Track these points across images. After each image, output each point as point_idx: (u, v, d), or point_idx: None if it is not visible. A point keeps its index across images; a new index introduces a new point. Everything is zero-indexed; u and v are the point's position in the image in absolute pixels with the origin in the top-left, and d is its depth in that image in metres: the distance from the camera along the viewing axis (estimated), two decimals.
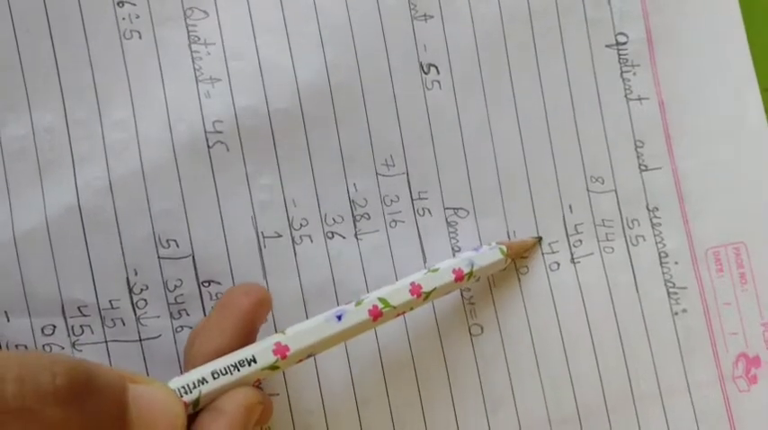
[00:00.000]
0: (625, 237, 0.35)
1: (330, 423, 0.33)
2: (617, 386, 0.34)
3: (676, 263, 0.35)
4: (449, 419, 0.33)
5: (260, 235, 0.32)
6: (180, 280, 0.32)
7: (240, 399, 0.27)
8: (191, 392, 0.26)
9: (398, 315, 0.30)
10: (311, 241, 0.33)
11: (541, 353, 0.34)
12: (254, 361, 0.28)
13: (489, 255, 0.33)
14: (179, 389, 0.26)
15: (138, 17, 0.32)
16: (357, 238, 0.33)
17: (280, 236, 0.32)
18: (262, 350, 0.28)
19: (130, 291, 0.32)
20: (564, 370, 0.34)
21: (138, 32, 0.32)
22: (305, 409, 0.32)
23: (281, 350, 0.28)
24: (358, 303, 0.30)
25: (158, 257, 0.32)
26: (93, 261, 0.31)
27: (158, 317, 0.32)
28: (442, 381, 0.33)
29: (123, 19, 0.32)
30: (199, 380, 0.27)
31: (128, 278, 0.31)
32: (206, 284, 0.32)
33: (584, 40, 0.35)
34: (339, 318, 0.29)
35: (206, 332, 0.29)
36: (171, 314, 0.32)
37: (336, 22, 0.33)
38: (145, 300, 0.32)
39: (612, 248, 0.34)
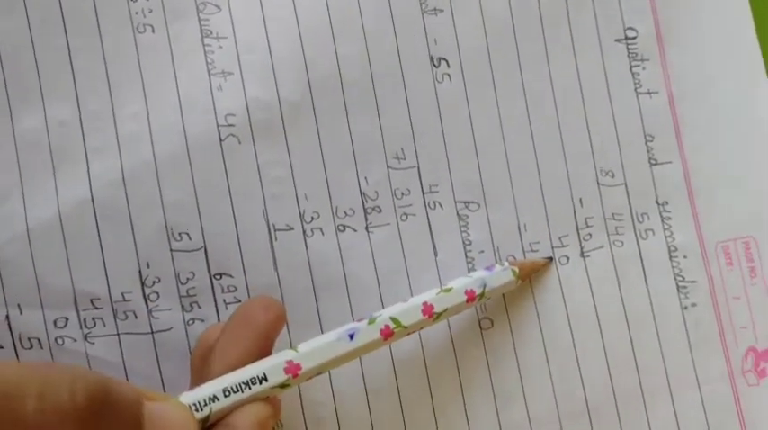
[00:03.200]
0: (635, 230, 0.35)
1: (340, 416, 0.33)
2: (626, 379, 0.34)
3: (686, 257, 0.35)
4: (459, 412, 0.33)
5: (271, 227, 0.32)
6: (192, 272, 0.32)
7: (252, 415, 0.27)
8: (201, 410, 0.26)
9: (409, 333, 0.30)
10: (322, 234, 0.33)
11: (551, 347, 0.34)
12: (266, 379, 0.28)
13: (501, 276, 0.33)
14: (190, 406, 0.26)
15: (151, 11, 0.32)
16: (368, 231, 0.33)
17: (291, 228, 0.33)
18: (273, 367, 0.28)
19: (143, 283, 0.32)
20: (573, 363, 0.34)
21: (152, 26, 0.32)
22: (316, 401, 0.33)
23: (292, 369, 0.28)
24: (371, 321, 0.30)
25: (170, 250, 0.32)
26: (105, 253, 0.31)
27: (170, 309, 0.32)
28: (452, 374, 0.33)
29: (137, 13, 0.32)
30: (210, 398, 0.27)
31: (140, 271, 0.32)
32: (218, 277, 0.32)
33: (594, 35, 0.35)
34: (351, 337, 0.29)
35: (222, 346, 0.29)
36: (183, 307, 0.32)
37: (347, 15, 0.33)
38: (157, 293, 0.32)
39: (622, 242, 0.35)
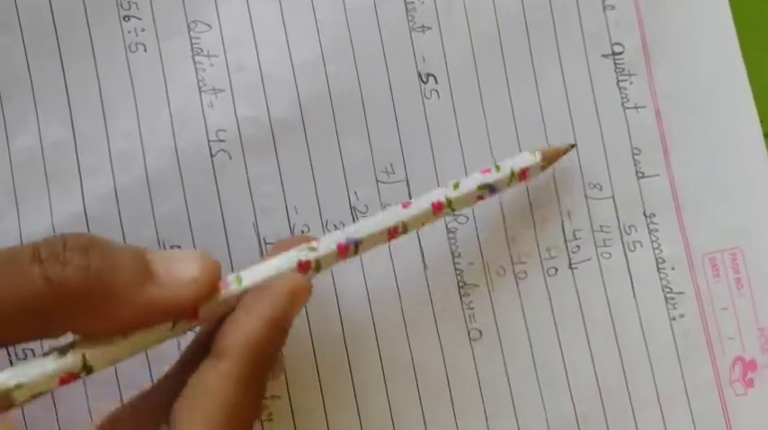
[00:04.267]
0: (623, 242, 0.35)
1: (331, 426, 0.33)
2: (615, 390, 0.34)
3: (673, 268, 0.35)
4: (448, 423, 0.34)
5: (262, 241, 0.33)
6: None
7: (287, 281, 0.27)
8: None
9: (436, 208, 0.30)
10: None
11: (539, 358, 0.34)
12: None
13: (523, 159, 0.33)
14: None
15: (143, 30, 0.33)
16: None
17: None
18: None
19: None
20: (562, 374, 0.34)
21: (144, 45, 0.33)
22: (306, 408, 0.33)
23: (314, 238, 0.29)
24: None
25: None
26: None
27: None
28: (442, 385, 0.34)
29: (129, 32, 0.33)
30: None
31: None
32: None
33: (581, 50, 0.35)
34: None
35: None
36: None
37: (337, 33, 0.34)
38: None
39: (610, 254, 0.35)
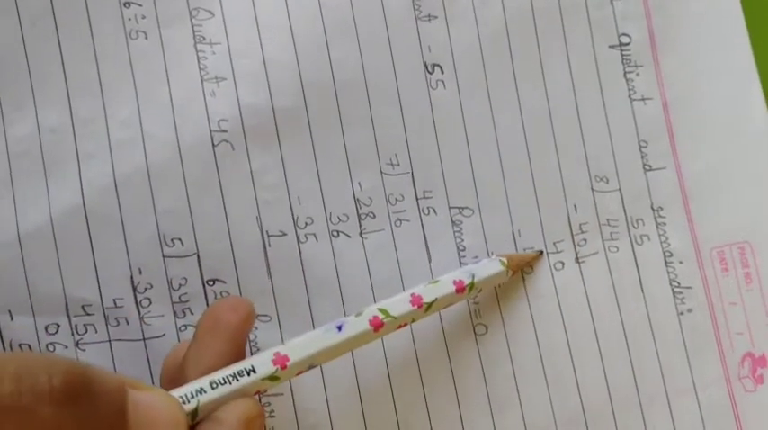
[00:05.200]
0: (630, 236, 0.35)
1: (334, 422, 0.32)
2: (623, 386, 0.34)
3: (681, 262, 0.35)
4: (454, 418, 0.33)
5: (265, 233, 0.32)
6: (184, 278, 0.32)
7: (240, 411, 0.26)
8: (188, 402, 0.26)
9: (400, 326, 0.30)
10: (316, 240, 0.33)
11: (546, 353, 0.34)
12: (254, 371, 0.27)
13: (489, 267, 0.33)
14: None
15: (144, 18, 0.32)
16: (362, 237, 0.33)
17: (284, 234, 0.32)
18: (261, 360, 0.27)
19: (134, 289, 0.32)
20: (569, 369, 0.34)
21: (144, 33, 0.32)
22: (309, 408, 0.32)
23: (280, 360, 0.27)
24: (358, 314, 0.29)
25: (163, 256, 0.32)
26: (97, 260, 0.31)
27: (162, 316, 0.32)
28: (447, 381, 0.33)
29: (129, 19, 0.32)
30: (197, 391, 0.26)
31: (132, 277, 0.31)
32: (210, 283, 0.32)
33: (588, 41, 0.35)
34: (339, 328, 0.29)
35: (194, 353, 0.28)
36: (175, 313, 0.32)
37: (341, 21, 0.33)
38: (149, 299, 0.32)
39: (617, 248, 0.34)
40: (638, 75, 0.35)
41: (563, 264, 0.34)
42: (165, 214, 0.32)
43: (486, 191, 0.34)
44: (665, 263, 0.35)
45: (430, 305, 0.30)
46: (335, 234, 0.33)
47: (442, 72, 0.34)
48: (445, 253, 0.34)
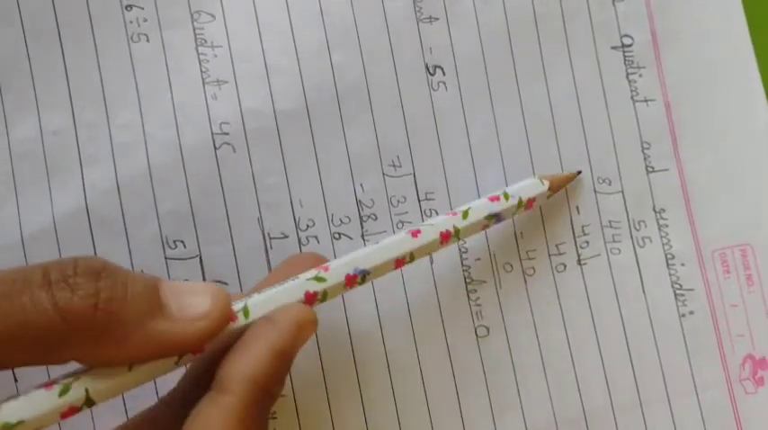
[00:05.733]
0: (632, 238, 0.35)
1: (335, 422, 0.33)
2: (624, 387, 0.34)
3: (683, 264, 0.35)
4: (455, 420, 0.33)
5: (266, 235, 0.32)
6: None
7: (294, 313, 0.26)
8: (236, 305, 0.26)
9: (444, 237, 0.30)
10: (318, 242, 0.33)
11: (548, 355, 0.34)
12: (298, 278, 0.28)
13: (523, 182, 0.33)
14: None
15: (145, 20, 0.32)
16: (364, 239, 0.33)
17: (286, 236, 0.33)
18: (304, 274, 0.28)
19: None
20: (570, 371, 0.34)
21: (146, 35, 0.32)
22: (311, 410, 0.32)
23: (322, 266, 0.28)
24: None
25: (165, 258, 0.32)
26: None
27: None
28: (448, 382, 0.33)
29: (131, 22, 0.32)
30: (246, 296, 0.26)
31: None
32: None
33: (590, 42, 0.35)
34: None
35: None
36: None
37: (342, 23, 0.33)
38: None
39: (619, 250, 0.34)
40: (640, 76, 0.35)
41: (565, 266, 0.34)
42: (167, 216, 0.32)
43: (488, 192, 0.33)
44: (667, 265, 0.35)
45: (466, 212, 0.31)
46: (337, 236, 0.33)
47: (444, 74, 0.34)
48: (446, 254, 0.34)
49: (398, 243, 0.29)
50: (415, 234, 0.30)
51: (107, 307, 0.23)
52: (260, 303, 0.26)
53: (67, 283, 0.22)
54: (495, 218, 0.31)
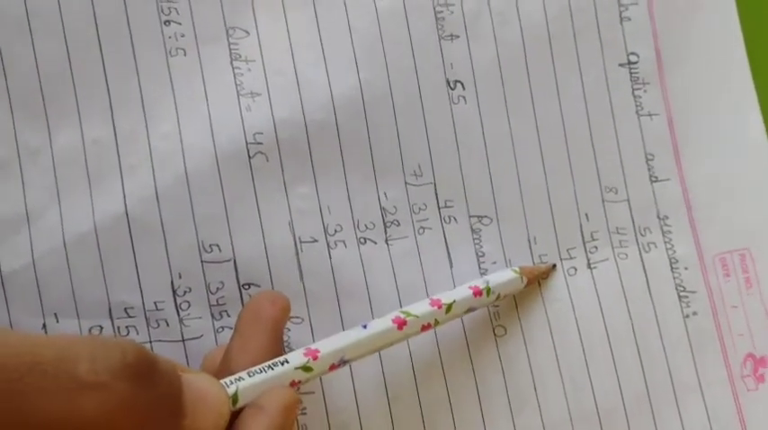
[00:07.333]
0: (638, 244, 0.37)
1: (363, 420, 0.34)
2: (633, 385, 0.36)
3: (686, 268, 0.37)
4: (476, 417, 0.35)
5: (297, 240, 0.34)
6: (222, 282, 0.33)
7: (279, 398, 0.28)
8: (228, 387, 0.27)
9: (424, 328, 0.32)
10: (345, 246, 0.34)
11: (562, 354, 0.36)
12: (287, 362, 0.29)
13: (504, 275, 0.35)
14: None
15: (183, 36, 0.34)
16: (388, 244, 0.35)
17: (315, 241, 0.34)
18: (295, 354, 0.29)
19: (174, 293, 0.33)
20: (583, 369, 0.36)
21: (184, 50, 0.34)
22: (339, 407, 0.34)
23: (311, 352, 0.30)
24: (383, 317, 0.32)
25: (201, 261, 0.33)
26: (139, 265, 0.33)
27: (200, 318, 0.33)
28: (469, 380, 0.35)
29: (170, 37, 0.34)
30: (236, 378, 0.28)
31: (172, 281, 0.33)
32: (246, 287, 0.34)
33: (599, 60, 0.37)
34: (365, 326, 0.31)
35: (238, 345, 0.30)
36: (212, 315, 0.33)
37: (369, 40, 0.35)
38: (188, 302, 0.33)
39: (626, 254, 0.36)
40: (645, 92, 0.37)
41: (576, 269, 0.36)
42: (203, 222, 0.33)
43: (503, 200, 0.36)
44: (671, 269, 0.37)
45: (449, 306, 0.32)
46: (363, 241, 0.35)
47: (464, 88, 0.36)
48: (465, 258, 0.35)
49: (383, 334, 0.31)
50: (400, 326, 0.31)
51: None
52: (249, 388, 0.28)
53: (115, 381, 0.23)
54: (473, 309, 0.34)
